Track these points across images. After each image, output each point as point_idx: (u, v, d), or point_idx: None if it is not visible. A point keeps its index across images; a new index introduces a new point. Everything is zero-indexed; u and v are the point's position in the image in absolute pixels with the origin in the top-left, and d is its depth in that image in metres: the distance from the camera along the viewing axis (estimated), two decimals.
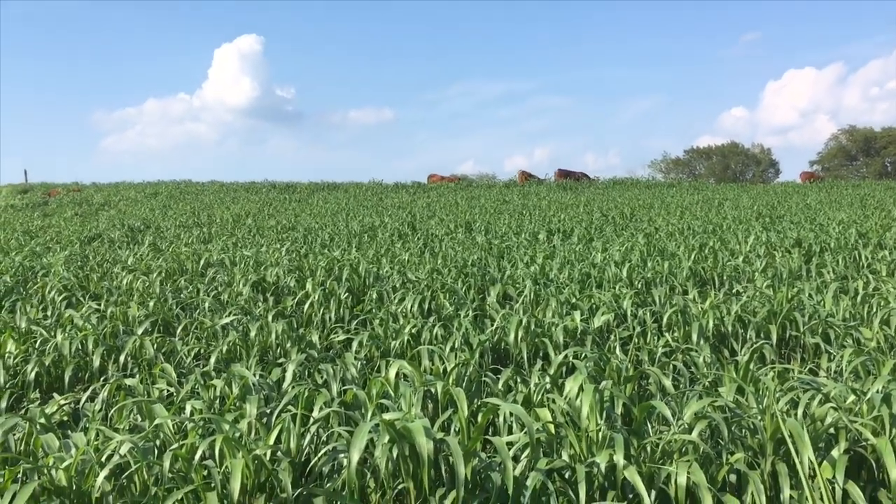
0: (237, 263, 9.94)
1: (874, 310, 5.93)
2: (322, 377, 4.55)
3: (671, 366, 4.80)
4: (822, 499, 2.75)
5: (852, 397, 3.64)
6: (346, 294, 7.41)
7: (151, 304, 6.95)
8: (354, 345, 5.49)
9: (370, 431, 3.06)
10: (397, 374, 4.11)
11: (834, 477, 2.98)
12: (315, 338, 5.71)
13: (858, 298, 6.52)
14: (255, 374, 4.39)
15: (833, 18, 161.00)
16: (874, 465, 3.21)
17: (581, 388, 3.57)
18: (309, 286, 7.56)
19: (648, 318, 6.20)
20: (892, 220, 14.30)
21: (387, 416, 3.14)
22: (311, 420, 3.56)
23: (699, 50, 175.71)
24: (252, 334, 5.71)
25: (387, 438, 3.05)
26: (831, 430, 3.35)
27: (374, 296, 7.37)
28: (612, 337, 5.64)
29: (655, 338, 5.67)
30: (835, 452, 3.16)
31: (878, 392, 3.47)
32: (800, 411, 3.44)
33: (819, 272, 8.54)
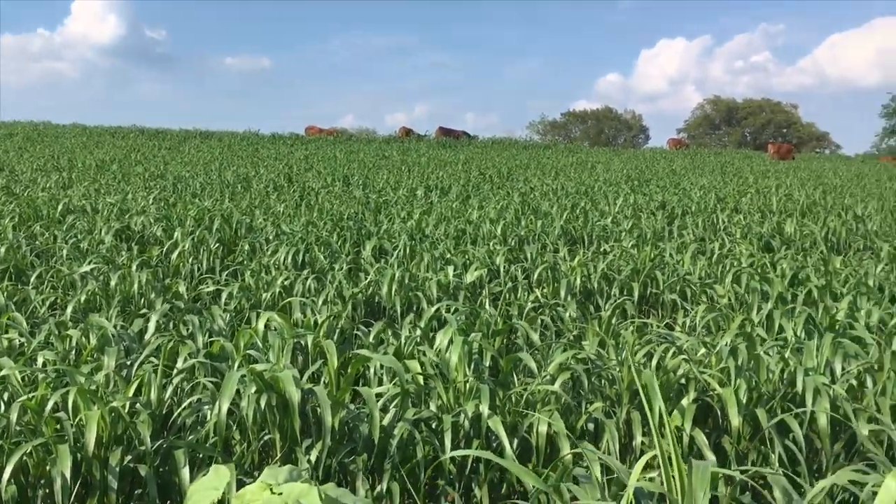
0: (100, 211, 9.43)
1: (727, 269, 6.31)
2: (188, 329, 4.40)
3: (539, 320, 4.94)
4: (670, 445, 2.92)
5: (703, 350, 3.87)
6: (217, 245, 7.18)
7: (2, 250, 6.49)
8: (224, 296, 5.34)
9: (237, 382, 3.00)
10: (266, 326, 4.03)
11: (683, 424, 3.17)
12: (182, 288, 5.51)
13: (714, 258, 6.92)
14: (115, 325, 4.20)
15: None
16: (719, 413, 3.44)
17: (451, 341, 3.63)
18: (178, 235, 7.27)
19: (520, 274, 6.35)
20: (748, 187, 15.22)
21: (255, 367, 3.09)
22: (175, 371, 3.45)
23: (582, 13, 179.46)
24: (112, 283, 5.44)
25: (254, 389, 3.00)
26: (682, 381, 3.55)
27: (247, 247, 7.19)
28: (484, 292, 5.74)
29: (525, 293, 5.82)
30: (684, 402, 3.36)
31: (725, 345, 3.71)
32: (653, 363, 3.63)
33: (680, 233, 9.00)
